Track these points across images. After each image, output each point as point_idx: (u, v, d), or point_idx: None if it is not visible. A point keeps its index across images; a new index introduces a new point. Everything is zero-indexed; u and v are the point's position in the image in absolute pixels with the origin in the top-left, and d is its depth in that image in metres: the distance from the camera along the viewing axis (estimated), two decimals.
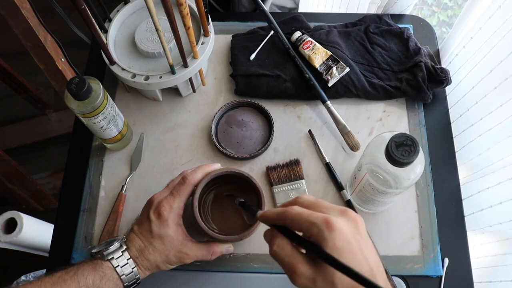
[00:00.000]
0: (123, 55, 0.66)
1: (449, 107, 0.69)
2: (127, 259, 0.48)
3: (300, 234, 0.37)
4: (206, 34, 0.64)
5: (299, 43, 0.71)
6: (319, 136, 0.67)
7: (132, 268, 0.48)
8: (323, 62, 0.69)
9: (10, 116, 1.59)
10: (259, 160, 0.66)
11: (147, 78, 0.62)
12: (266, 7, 0.76)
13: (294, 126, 0.68)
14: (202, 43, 0.64)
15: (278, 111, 0.69)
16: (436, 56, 0.72)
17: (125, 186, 0.64)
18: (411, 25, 0.76)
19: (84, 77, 0.53)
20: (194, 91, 0.70)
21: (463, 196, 0.63)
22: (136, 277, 0.48)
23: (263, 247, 0.60)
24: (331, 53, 0.69)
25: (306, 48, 0.70)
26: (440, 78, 0.65)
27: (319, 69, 0.68)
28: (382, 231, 0.60)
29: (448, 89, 0.70)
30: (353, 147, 0.64)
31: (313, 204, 0.39)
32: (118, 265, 0.47)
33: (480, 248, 0.63)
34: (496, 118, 0.57)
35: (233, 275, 0.59)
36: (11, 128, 1.53)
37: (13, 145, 1.51)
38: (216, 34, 0.72)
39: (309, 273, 0.35)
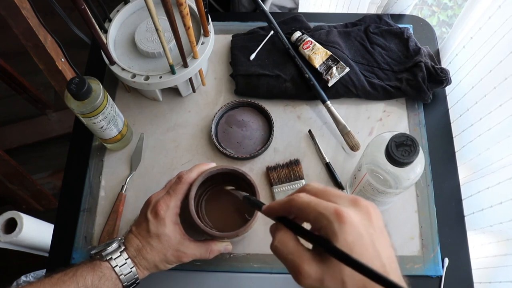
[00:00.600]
0: (123, 55, 0.66)
1: (449, 107, 0.69)
2: (126, 259, 0.48)
3: (307, 227, 0.35)
4: (206, 34, 0.65)
5: (299, 43, 0.71)
6: (319, 136, 0.67)
7: (131, 268, 0.48)
8: (323, 62, 0.69)
9: (10, 116, 1.59)
10: (259, 160, 0.66)
11: (147, 78, 0.62)
12: (266, 7, 0.76)
13: (294, 126, 0.68)
14: (202, 43, 0.64)
15: (278, 111, 0.69)
16: (436, 56, 0.72)
17: (125, 186, 0.64)
18: (411, 25, 0.76)
19: (84, 77, 0.53)
20: (194, 91, 0.70)
21: (463, 196, 0.63)
22: (135, 277, 0.48)
23: (263, 247, 0.60)
24: (331, 53, 0.69)
25: (306, 48, 0.70)
26: (440, 78, 0.65)
27: (319, 69, 0.68)
28: None
29: (448, 89, 0.70)
30: (353, 147, 0.64)
31: (322, 192, 0.35)
32: (117, 265, 0.47)
33: (480, 249, 0.63)
34: (495, 118, 0.57)
35: (233, 275, 0.59)
36: (11, 128, 1.53)
37: (13, 145, 1.51)
38: (216, 34, 0.72)
39: (316, 272, 0.32)
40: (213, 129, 0.66)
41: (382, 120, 0.68)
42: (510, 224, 0.54)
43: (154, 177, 0.65)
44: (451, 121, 0.68)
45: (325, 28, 0.74)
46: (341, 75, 0.68)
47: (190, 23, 0.55)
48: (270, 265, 0.59)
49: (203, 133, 0.68)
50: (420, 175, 0.49)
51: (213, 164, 0.55)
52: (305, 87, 0.69)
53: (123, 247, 0.49)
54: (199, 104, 0.71)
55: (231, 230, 0.52)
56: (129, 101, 0.71)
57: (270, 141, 0.66)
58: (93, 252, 0.50)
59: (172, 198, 0.50)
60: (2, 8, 0.87)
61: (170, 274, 0.58)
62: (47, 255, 0.63)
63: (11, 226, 0.98)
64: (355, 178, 0.57)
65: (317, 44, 0.70)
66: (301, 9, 0.93)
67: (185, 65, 0.62)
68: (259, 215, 0.52)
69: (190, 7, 0.66)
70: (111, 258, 0.48)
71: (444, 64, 0.72)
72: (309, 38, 0.71)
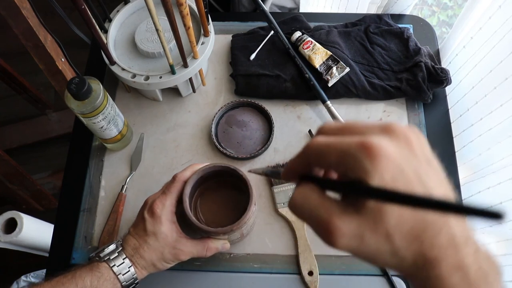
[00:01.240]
0: (123, 55, 0.66)
1: (449, 107, 0.69)
2: (123, 259, 0.48)
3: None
4: (206, 34, 0.64)
5: (299, 43, 0.71)
6: None
7: (129, 267, 0.48)
8: (323, 62, 0.69)
9: (10, 116, 1.59)
10: (259, 160, 0.66)
11: (147, 78, 0.62)
12: (266, 7, 0.76)
13: (294, 126, 0.68)
14: (202, 43, 0.64)
15: (278, 111, 0.69)
16: (436, 56, 0.72)
17: (125, 186, 0.64)
18: (411, 25, 0.76)
19: (84, 77, 0.53)
20: (194, 91, 0.70)
21: (463, 196, 0.63)
22: (134, 276, 0.48)
23: (263, 247, 0.60)
24: (331, 53, 0.69)
25: (306, 48, 0.70)
26: (440, 78, 0.65)
27: (319, 69, 0.68)
28: None
29: (448, 89, 0.70)
30: None
31: (343, 128, 0.27)
32: (115, 265, 0.48)
33: None
34: (496, 118, 0.57)
35: (233, 275, 0.59)
36: (11, 128, 1.53)
37: (13, 145, 1.51)
38: (216, 34, 0.72)
39: (352, 227, 0.24)
40: (213, 129, 0.66)
41: (382, 120, 0.68)
42: (510, 224, 0.54)
43: (154, 177, 0.65)
44: (451, 121, 0.68)
45: (325, 28, 0.74)
46: (341, 75, 0.68)
47: (190, 23, 0.55)
48: (270, 265, 0.59)
49: (203, 133, 0.68)
50: None
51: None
52: (305, 87, 0.69)
53: (120, 248, 0.50)
54: (199, 104, 0.71)
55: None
56: (129, 101, 0.71)
57: (270, 141, 0.66)
58: (91, 254, 0.51)
59: (167, 197, 0.51)
60: (2, 8, 0.87)
61: (170, 274, 0.58)
62: (47, 255, 0.63)
63: (11, 226, 0.99)
64: None
65: (317, 44, 0.70)
66: (301, 9, 0.93)
67: (185, 65, 0.62)
68: (253, 211, 0.53)
69: (190, 7, 0.66)
70: (109, 258, 0.48)
71: (444, 64, 0.72)
72: (309, 38, 0.71)
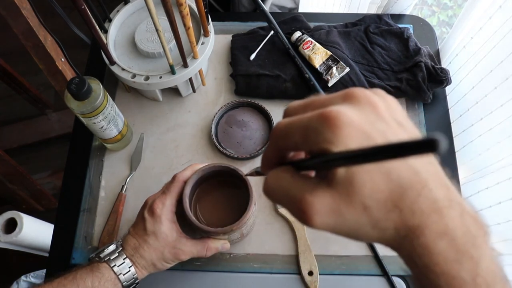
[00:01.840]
0: (123, 55, 0.66)
1: (449, 107, 0.69)
2: (124, 259, 0.48)
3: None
4: (206, 34, 0.64)
5: (299, 43, 0.71)
6: None
7: (129, 267, 0.48)
8: (323, 62, 0.69)
9: (10, 116, 1.59)
10: (259, 160, 0.66)
11: (147, 78, 0.62)
12: (266, 7, 0.76)
13: None
14: (202, 43, 0.64)
15: (278, 111, 0.69)
16: (436, 56, 0.72)
17: (125, 186, 0.64)
18: (411, 25, 0.76)
19: (84, 77, 0.53)
20: (194, 91, 0.70)
21: (463, 196, 0.63)
22: (134, 276, 0.48)
23: (263, 247, 0.60)
24: (331, 53, 0.69)
25: (306, 48, 0.70)
26: (440, 78, 0.65)
27: (319, 69, 0.68)
28: None
29: (448, 89, 0.70)
30: None
31: (306, 105, 0.26)
32: (115, 265, 0.48)
33: None
34: (496, 118, 0.57)
35: (233, 275, 0.59)
36: (11, 128, 1.53)
37: (13, 145, 1.51)
38: (216, 34, 0.72)
39: (326, 203, 0.22)
40: (213, 129, 0.66)
41: None
42: (508, 225, 0.54)
43: (154, 177, 0.65)
44: (451, 121, 0.68)
45: (325, 28, 0.74)
46: (341, 75, 0.68)
47: (190, 23, 0.55)
48: (270, 265, 0.59)
49: (203, 133, 0.68)
50: None
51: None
52: (305, 87, 0.68)
53: (120, 248, 0.50)
54: (199, 104, 0.71)
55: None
56: (129, 101, 0.71)
57: None
58: (91, 255, 0.51)
59: (167, 197, 0.51)
60: (2, 8, 0.87)
61: (170, 274, 0.58)
62: (47, 255, 0.63)
63: (11, 226, 0.99)
64: None
65: (317, 44, 0.70)
66: (301, 9, 0.92)
67: (185, 65, 0.62)
68: (253, 211, 0.53)
69: (190, 7, 0.66)
70: (109, 258, 0.48)
71: (444, 64, 0.72)
72: (309, 38, 0.71)
